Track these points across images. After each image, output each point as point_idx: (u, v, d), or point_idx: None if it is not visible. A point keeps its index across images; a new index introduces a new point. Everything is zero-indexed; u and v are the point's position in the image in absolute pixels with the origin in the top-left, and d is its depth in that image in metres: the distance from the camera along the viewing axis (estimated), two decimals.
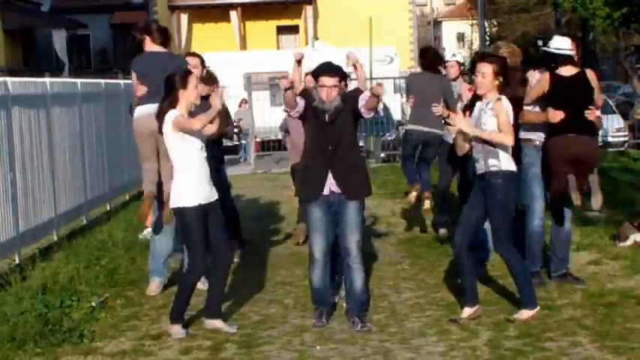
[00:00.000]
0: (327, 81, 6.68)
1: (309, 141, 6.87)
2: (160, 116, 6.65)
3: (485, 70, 6.72)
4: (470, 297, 6.88)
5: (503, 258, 6.87)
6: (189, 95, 6.59)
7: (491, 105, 6.71)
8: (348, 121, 6.78)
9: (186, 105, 6.61)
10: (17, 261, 9.02)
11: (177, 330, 6.73)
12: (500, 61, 6.81)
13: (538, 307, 6.78)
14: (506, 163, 6.71)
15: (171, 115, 6.55)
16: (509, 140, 6.66)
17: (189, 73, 6.74)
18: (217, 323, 6.79)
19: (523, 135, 7.60)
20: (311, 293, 7.06)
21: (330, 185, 6.75)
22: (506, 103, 6.74)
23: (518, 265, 6.80)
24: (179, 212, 6.66)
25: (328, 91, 6.67)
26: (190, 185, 6.60)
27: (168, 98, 6.64)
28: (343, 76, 6.80)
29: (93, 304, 7.61)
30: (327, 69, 6.78)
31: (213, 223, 6.72)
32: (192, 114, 6.68)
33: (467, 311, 6.84)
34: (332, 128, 6.71)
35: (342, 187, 6.74)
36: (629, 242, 9.13)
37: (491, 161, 6.70)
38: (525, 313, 6.72)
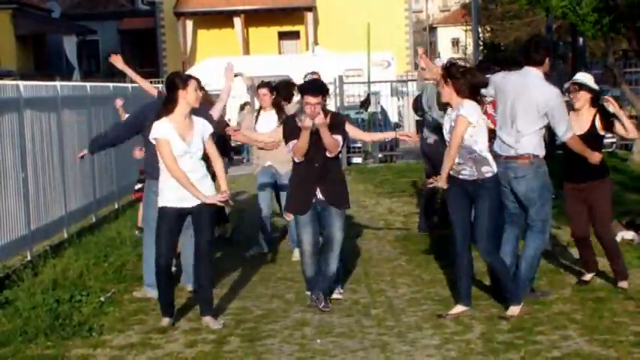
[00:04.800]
0: (311, 100, 6.97)
1: (296, 165, 7.24)
2: (157, 117, 6.70)
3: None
4: (465, 296, 6.87)
5: (488, 260, 6.85)
6: (188, 97, 6.61)
7: (454, 115, 6.71)
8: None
9: (184, 106, 6.62)
10: (29, 257, 9.03)
11: (164, 322, 6.84)
12: (444, 67, 6.82)
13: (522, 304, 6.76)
14: (495, 165, 6.75)
15: (156, 129, 6.59)
16: (453, 153, 6.66)
17: (190, 77, 6.76)
18: (206, 319, 6.82)
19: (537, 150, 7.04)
20: (305, 283, 7.46)
21: (317, 194, 7.18)
22: (468, 109, 6.67)
23: (502, 266, 6.81)
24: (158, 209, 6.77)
25: (312, 108, 6.98)
26: (166, 188, 6.64)
27: (168, 99, 6.67)
28: (325, 93, 7.14)
29: (102, 299, 7.62)
30: (311, 89, 7.10)
31: (198, 225, 6.73)
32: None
33: (459, 308, 6.83)
34: (318, 147, 7.05)
35: (327, 198, 7.19)
36: (617, 240, 9.11)
37: (485, 168, 6.70)
38: (514, 310, 6.72)
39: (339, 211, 7.23)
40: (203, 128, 6.74)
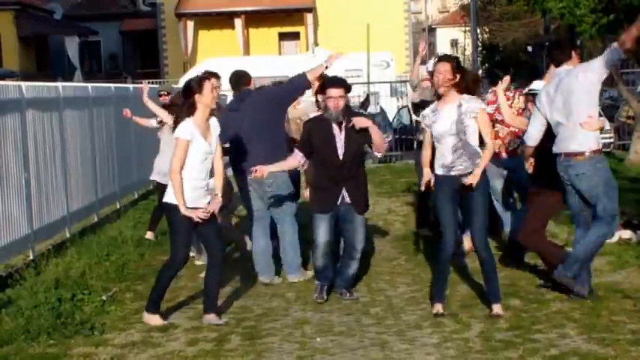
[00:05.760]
0: (334, 92, 7.11)
1: (322, 161, 7.25)
2: (177, 120, 6.74)
3: (444, 67, 6.71)
4: (442, 295, 6.92)
5: (484, 253, 6.75)
6: (205, 99, 6.64)
7: (472, 108, 6.68)
8: (358, 145, 7.21)
9: (203, 109, 6.67)
10: (31, 257, 9.03)
11: (156, 320, 6.82)
12: (454, 60, 6.84)
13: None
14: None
15: (181, 129, 6.63)
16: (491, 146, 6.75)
17: (205, 78, 6.76)
18: (209, 317, 6.83)
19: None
20: (314, 271, 7.58)
21: (343, 197, 7.23)
22: (479, 102, 6.83)
23: (493, 263, 6.83)
24: (171, 208, 6.71)
25: (335, 101, 7.09)
26: (195, 189, 6.67)
27: (186, 103, 6.71)
28: (348, 88, 7.22)
29: (103, 297, 7.62)
30: (334, 82, 7.20)
31: (206, 225, 6.74)
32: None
33: (440, 307, 6.85)
34: (348, 148, 7.14)
35: (353, 201, 7.23)
36: (614, 239, 9.11)
37: (478, 161, 6.67)
38: (498, 308, 6.73)
39: (360, 218, 7.30)
40: (216, 128, 6.80)
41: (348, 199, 7.20)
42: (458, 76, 6.67)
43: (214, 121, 6.81)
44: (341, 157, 7.14)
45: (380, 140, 7.20)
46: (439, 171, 6.73)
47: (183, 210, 6.56)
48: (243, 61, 26.99)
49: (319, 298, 7.33)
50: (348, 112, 7.25)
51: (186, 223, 6.68)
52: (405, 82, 24.35)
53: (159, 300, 6.90)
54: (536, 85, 7.59)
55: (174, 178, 6.58)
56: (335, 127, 7.14)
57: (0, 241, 8.41)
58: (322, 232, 7.28)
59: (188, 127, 6.61)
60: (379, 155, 7.28)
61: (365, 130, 7.09)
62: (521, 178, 8.30)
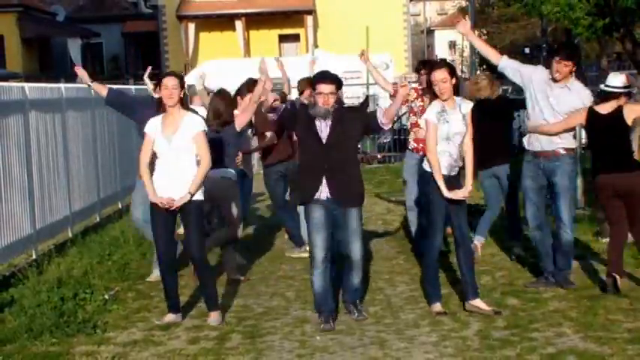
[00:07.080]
0: (325, 88, 6.56)
1: (305, 154, 6.77)
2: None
3: (445, 75, 6.72)
4: (439, 293, 6.98)
5: (467, 243, 6.87)
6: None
7: (467, 109, 6.82)
8: (348, 137, 6.64)
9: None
10: (34, 256, 9.04)
11: (169, 318, 6.87)
12: (448, 65, 6.90)
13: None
14: None
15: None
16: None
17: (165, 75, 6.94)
18: (212, 316, 6.85)
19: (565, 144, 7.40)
20: (313, 298, 6.78)
21: (326, 192, 6.60)
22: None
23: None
24: None
25: (325, 98, 6.55)
26: (154, 182, 6.75)
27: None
28: (339, 84, 6.71)
29: (105, 296, 7.62)
30: (324, 77, 6.68)
31: (184, 224, 6.78)
32: None
33: (439, 306, 6.90)
34: (329, 146, 6.57)
35: (332, 193, 6.58)
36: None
37: (460, 161, 6.86)
38: (480, 302, 6.83)
39: (354, 223, 6.66)
40: (192, 125, 6.70)
41: (327, 192, 6.55)
42: (454, 80, 6.76)
43: (192, 119, 6.74)
44: (324, 141, 6.57)
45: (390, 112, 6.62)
46: (442, 172, 6.71)
47: (151, 197, 6.66)
48: (244, 62, 26.98)
49: (326, 328, 6.53)
50: (341, 108, 6.80)
51: (156, 221, 6.73)
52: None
53: (167, 300, 6.93)
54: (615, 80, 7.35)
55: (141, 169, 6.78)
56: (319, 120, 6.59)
57: (3, 240, 8.42)
58: (319, 243, 6.57)
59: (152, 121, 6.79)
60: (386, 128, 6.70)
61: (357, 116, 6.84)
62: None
